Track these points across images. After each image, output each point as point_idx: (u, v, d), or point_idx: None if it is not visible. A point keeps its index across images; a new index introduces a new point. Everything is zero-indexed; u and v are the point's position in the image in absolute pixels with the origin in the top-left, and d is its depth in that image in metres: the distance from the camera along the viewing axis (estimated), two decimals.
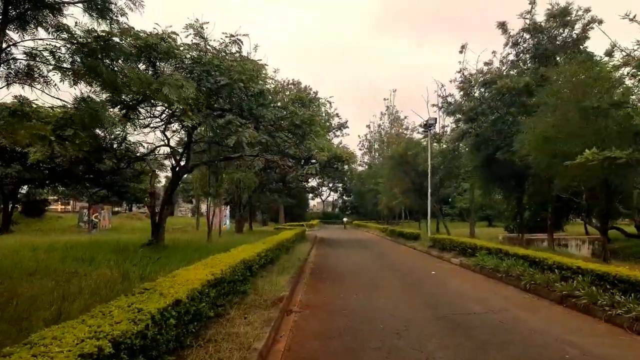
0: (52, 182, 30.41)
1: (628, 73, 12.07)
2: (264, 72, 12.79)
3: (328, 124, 57.56)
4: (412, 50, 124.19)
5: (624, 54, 11.97)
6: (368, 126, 71.01)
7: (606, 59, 15.23)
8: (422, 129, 30.88)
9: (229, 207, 36.19)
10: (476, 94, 21.41)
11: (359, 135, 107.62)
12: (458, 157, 29.33)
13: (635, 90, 12.56)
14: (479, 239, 20.09)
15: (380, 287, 10.44)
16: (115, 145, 15.44)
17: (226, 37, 12.69)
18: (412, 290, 10.10)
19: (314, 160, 25.79)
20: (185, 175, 35.03)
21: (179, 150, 14.92)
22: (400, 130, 58.52)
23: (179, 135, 16.52)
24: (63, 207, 67.31)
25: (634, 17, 11.44)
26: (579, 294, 7.70)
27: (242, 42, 12.65)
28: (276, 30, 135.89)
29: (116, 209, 65.75)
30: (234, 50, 12.81)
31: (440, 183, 30.93)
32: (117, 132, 15.74)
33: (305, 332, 6.44)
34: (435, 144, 33.32)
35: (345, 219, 68.50)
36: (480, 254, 13.98)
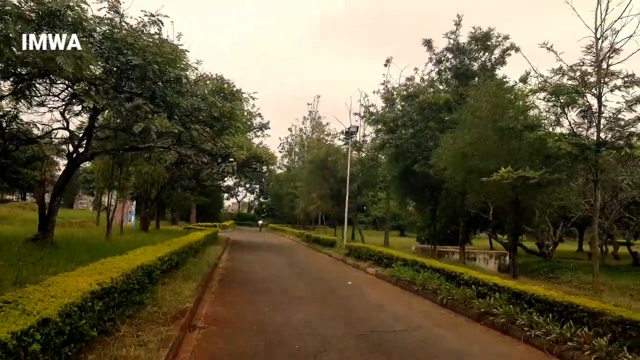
0: None
1: (544, 97, 12.76)
2: (185, 60, 11.62)
3: (249, 123, 56.25)
4: (337, 62, 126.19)
5: (541, 79, 12.65)
6: (290, 129, 70.64)
7: (520, 84, 16.19)
8: (344, 136, 31.04)
9: (135, 202, 33.54)
10: (398, 106, 21.80)
11: (279, 138, 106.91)
12: (376, 166, 29.86)
13: (547, 115, 13.36)
14: (393, 249, 20.36)
15: (295, 298, 9.82)
16: (3, 124, 13.29)
17: (145, 15, 11.35)
18: (329, 303, 9.59)
19: (231, 159, 24.64)
20: (87, 164, 31.85)
21: (79, 135, 13.14)
22: (322, 135, 58.80)
23: (80, 119, 14.64)
24: None
25: (551, 46, 12.13)
26: (497, 312, 7.66)
27: (162, 22, 11.39)
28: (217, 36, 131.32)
29: (7, 197, 58.69)
30: (152, 32, 11.50)
31: (358, 191, 31.25)
32: (7, 109, 13.60)
33: (209, 354, 5.58)
34: (355, 152, 33.69)
35: (260, 222, 67.33)
36: (396, 265, 13.94)
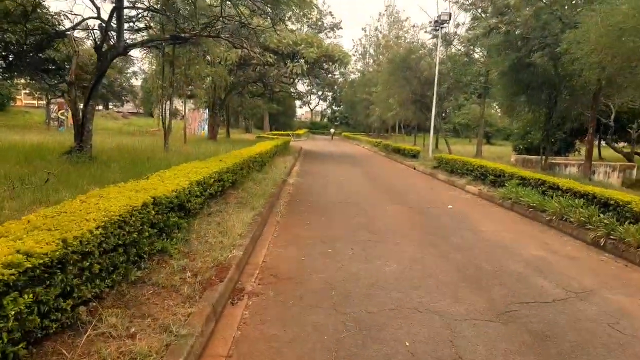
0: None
1: None
2: None
3: (320, 22, 51.53)
4: None
5: None
6: (364, 29, 64.65)
7: None
8: (431, 28, 26.10)
9: (207, 110, 32.03)
10: None
11: (352, 40, 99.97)
12: (470, 63, 25.11)
13: None
14: (487, 160, 16.88)
15: (385, 233, 7.15)
16: (28, 14, 11.07)
17: None
18: (431, 241, 6.79)
19: (300, 58, 21.40)
20: (148, 67, 30.03)
21: (112, 24, 10.66)
22: (401, 33, 52.57)
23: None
24: (35, 102, 62.42)
25: None
26: None
27: None
28: None
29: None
30: None
31: (447, 93, 26.91)
32: None
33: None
34: (442, 48, 28.77)
35: (332, 130, 64.88)
36: (510, 184, 10.74)
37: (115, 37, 10.04)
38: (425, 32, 37.08)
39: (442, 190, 13.09)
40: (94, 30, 11.14)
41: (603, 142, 29.06)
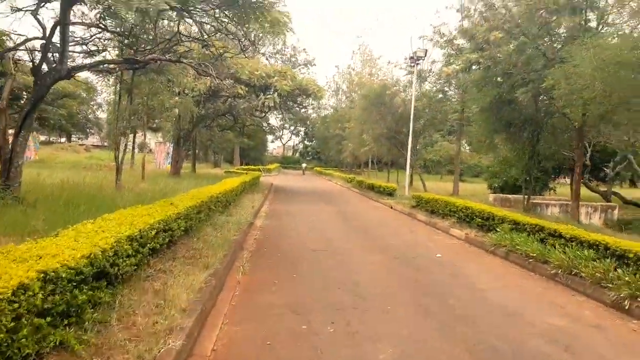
0: None
1: None
2: None
3: (294, 59, 51.44)
4: None
5: None
6: (337, 66, 65.06)
7: None
8: (407, 65, 25.83)
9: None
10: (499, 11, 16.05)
11: (325, 77, 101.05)
12: (446, 100, 24.76)
13: None
14: (463, 199, 16.01)
15: (371, 296, 5.84)
16: None
17: None
18: (429, 309, 5.47)
19: (274, 92, 20.42)
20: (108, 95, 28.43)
21: (56, 44, 9.29)
22: (374, 70, 52.95)
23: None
24: None
25: None
26: None
27: None
28: None
29: (51, 138, 58.36)
30: None
31: (422, 130, 26.36)
32: None
33: None
34: (416, 84, 28.52)
35: (304, 165, 64.08)
36: (503, 229, 9.71)
37: (59, 55, 8.66)
38: (400, 68, 37.16)
39: (425, 233, 11.97)
40: (37, 52, 9.77)
41: None
